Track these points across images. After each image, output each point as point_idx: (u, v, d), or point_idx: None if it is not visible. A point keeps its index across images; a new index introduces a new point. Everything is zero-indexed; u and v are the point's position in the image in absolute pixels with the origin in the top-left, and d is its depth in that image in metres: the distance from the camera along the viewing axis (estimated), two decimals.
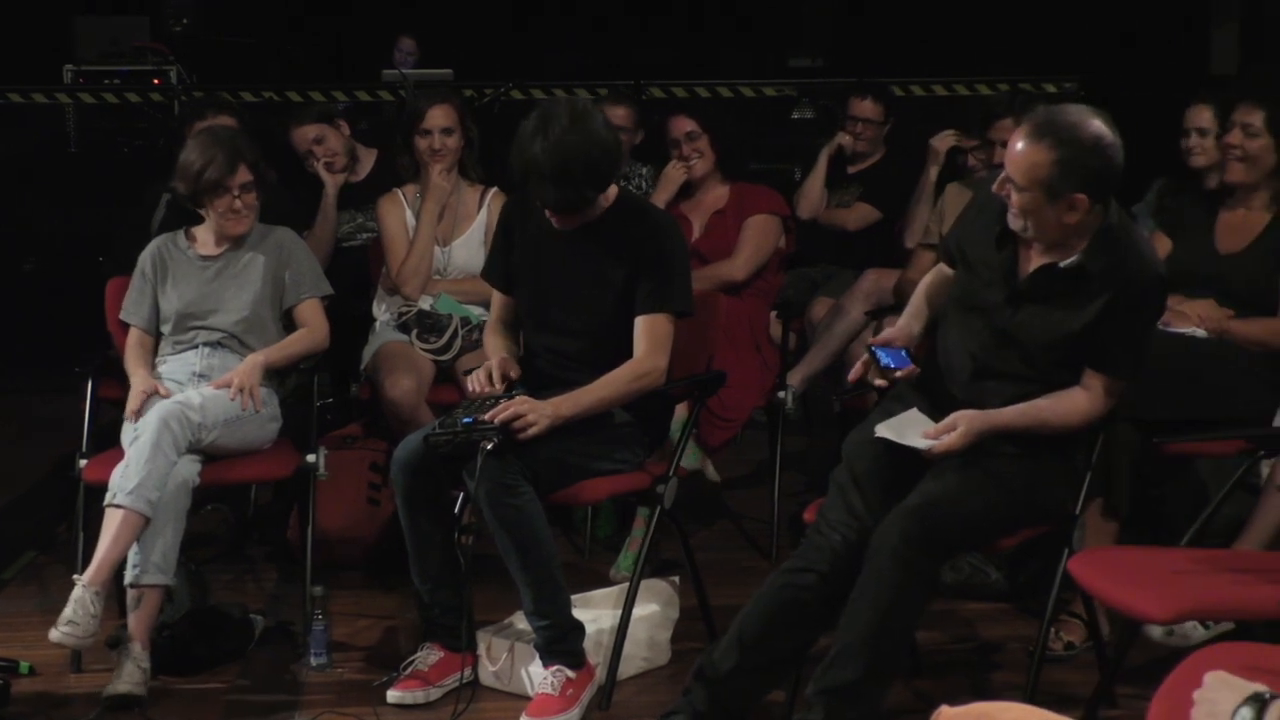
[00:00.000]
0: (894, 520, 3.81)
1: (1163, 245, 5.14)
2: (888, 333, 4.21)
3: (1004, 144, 4.30)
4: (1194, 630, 4.47)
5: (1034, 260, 3.96)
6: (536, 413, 4.21)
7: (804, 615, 3.95)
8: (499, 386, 4.38)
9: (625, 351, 4.41)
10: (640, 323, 4.41)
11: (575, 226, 4.46)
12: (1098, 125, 3.82)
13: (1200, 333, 4.91)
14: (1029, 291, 3.95)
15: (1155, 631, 4.38)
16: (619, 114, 6.56)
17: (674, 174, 6.12)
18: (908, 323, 4.26)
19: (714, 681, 3.98)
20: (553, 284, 4.52)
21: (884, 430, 4.00)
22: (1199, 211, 5.22)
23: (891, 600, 3.78)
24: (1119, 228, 3.92)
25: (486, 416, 4.18)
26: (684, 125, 6.11)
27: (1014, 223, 3.91)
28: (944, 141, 6.35)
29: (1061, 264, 3.91)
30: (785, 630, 3.96)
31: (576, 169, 4.29)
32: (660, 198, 6.06)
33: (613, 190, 4.50)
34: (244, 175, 4.93)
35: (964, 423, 3.89)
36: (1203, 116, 5.54)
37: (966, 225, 4.19)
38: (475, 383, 4.42)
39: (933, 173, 6.34)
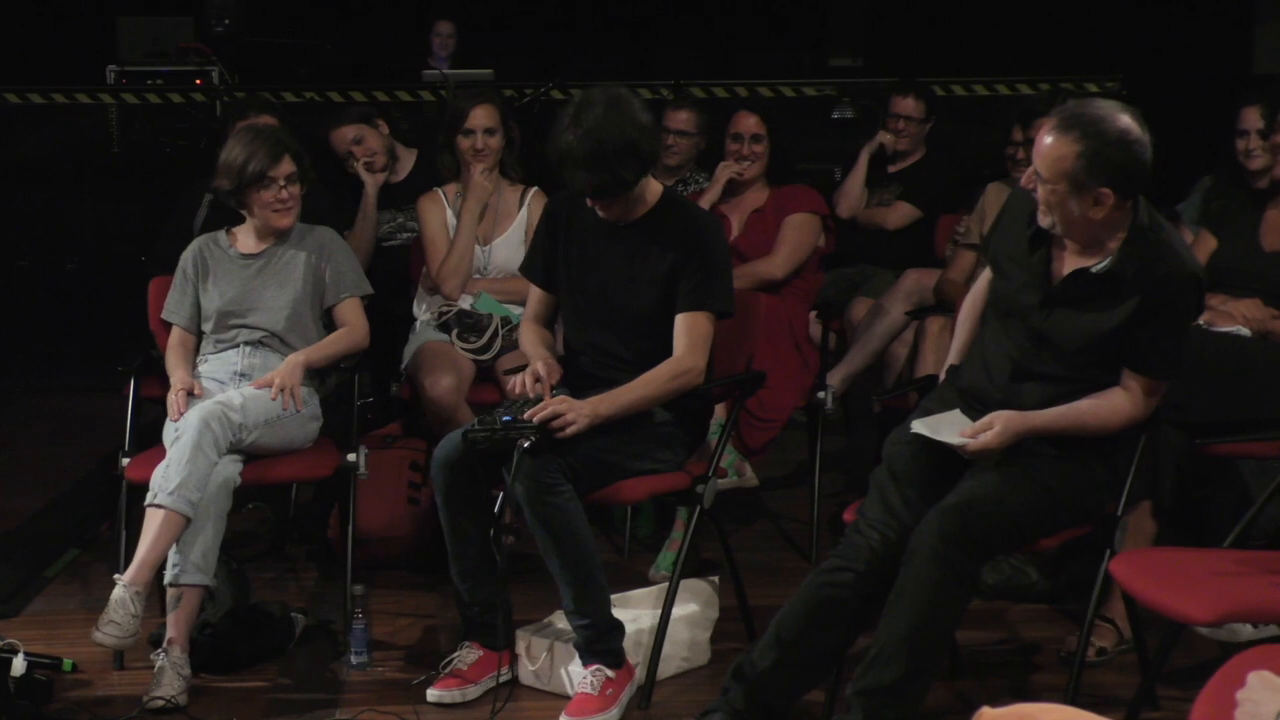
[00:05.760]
0: (933, 519, 3.80)
1: (1208, 244, 5.10)
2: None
3: None
4: (1243, 627, 4.43)
5: (1066, 262, 3.95)
6: (575, 412, 4.22)
7: (842, 614, 3.95)
8: (542, 388, 4.38)
9: (667, 351, 4.40)
10: (680, 321, 4.40)
11: (619, 217, 4.44)
12: (1125, 120, 3.80)
13: (1244, 332, 4.87)
14: (1062, 295, 3.93)
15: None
16: (681, 118, 6.45)
17: (724, 174, 6.04)
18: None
19: (752, 680, 3.98)
20: (596, 282, 4.51)
21: (920, 426, 3.99)
22: (1245, 210, 5.19)
23: (930, 600, 3.77)
24: (1150, 228, 3.89)
25: (525, 415, 4.19)
26: (751, 126, 6.01)
27: (1042, 219, 3.89)
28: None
29: (1094, 269, 3.89)
30: (823, 629, 3.96)
31: (610, 151, 4.25)
32: (708, 199, 6.00)
33: (657, 188, 4.49)
34: (288, 166, 4.94)
35: (1000, 422, 3.88)
36: (1256, 117, 5.50)
37: (1001, 229, 4.17)
38: (519, 385, 4.42)
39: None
